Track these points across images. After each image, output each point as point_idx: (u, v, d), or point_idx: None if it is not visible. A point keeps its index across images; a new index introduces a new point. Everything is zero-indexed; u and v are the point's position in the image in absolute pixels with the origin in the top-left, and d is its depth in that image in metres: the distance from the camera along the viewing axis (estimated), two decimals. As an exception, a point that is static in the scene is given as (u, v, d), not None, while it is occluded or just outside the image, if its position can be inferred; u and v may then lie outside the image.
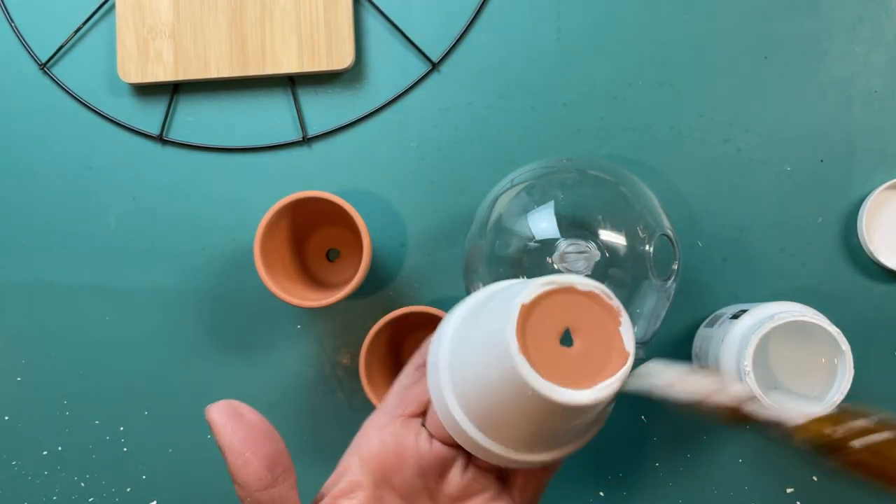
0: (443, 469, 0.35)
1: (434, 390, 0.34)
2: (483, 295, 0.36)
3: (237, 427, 0.30)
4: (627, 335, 0.31)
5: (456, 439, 0.34)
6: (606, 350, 0.31)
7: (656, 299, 0.49)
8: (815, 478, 0.57)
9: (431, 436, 0.35)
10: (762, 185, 0.58)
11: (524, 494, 0.36)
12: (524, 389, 0.30)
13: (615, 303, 0.32)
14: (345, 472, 0.34)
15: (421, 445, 0.35)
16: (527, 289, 0.31)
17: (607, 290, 0.31)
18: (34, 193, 0.63)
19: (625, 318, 0.32)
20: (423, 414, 0.36)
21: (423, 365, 0.36)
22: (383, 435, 0.35)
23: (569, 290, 0.31)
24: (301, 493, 0.64)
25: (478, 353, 0.32)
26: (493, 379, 0.31)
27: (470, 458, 0.36)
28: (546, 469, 0.37)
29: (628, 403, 0.58)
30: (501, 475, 0.37)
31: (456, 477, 0.35)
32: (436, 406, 0.34)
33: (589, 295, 0.31)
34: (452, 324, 0.35)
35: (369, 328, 0.54)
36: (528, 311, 0.30)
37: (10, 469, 0.62)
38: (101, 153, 0.63)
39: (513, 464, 0.34)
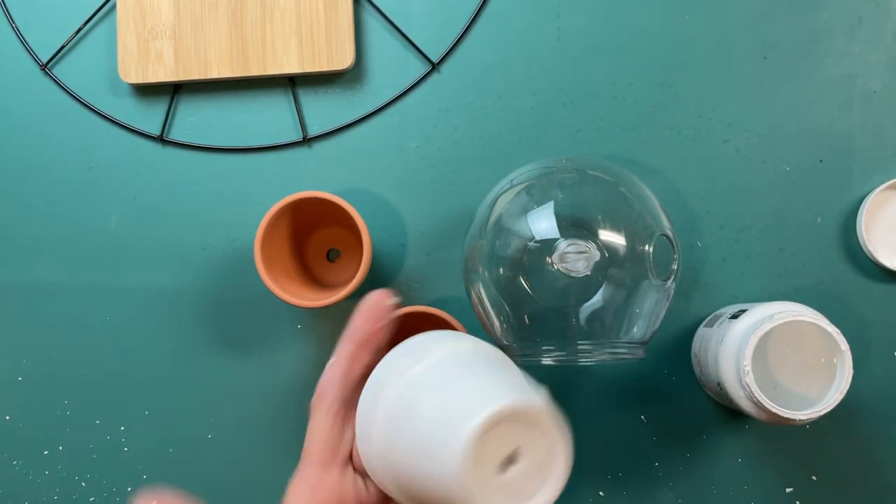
0: None
1: (366, 455, 0.34)
2: (431, 365, 0.34)
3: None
4: (560, 468, 0.32)
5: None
6: (543, 475, 0.32)
7: (656, 299, 0.49)
8: (814, 477, 0.57)
9: (364, 476, 0.35)
10: (761, 186, 0.58)
11: None
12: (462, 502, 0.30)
13: (561, 434, 0.32)
14: None
15: (360, 493, 0.35)
16: (483, 412, 0.30)
17: (556, 421, 0.31)
18: (35, 193, 0.63)
19: (563, 448, 0.32)
20: (352, 456, 0.36)
21: (341, 409, 0.36)
22: (322, 493, 0.35)
23: (522, 416, 0.31)
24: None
25: (419, 451, 0.32)
26: (431, 484, 0.31)
27: None
28: None
29: (628, 403, 0.59)
30: None
31: None
32: (370, 473, 0.34)
33: (539, 423, 0.32)
34: (391, 396, 0.34)
35: (369, 328, 0.54)
36: (482, 436, 0.30)
37: (11, 468, 0.62)
38: (101, 153, 0.63)
39: None
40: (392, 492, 0.34)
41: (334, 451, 0.35)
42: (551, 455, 0.32)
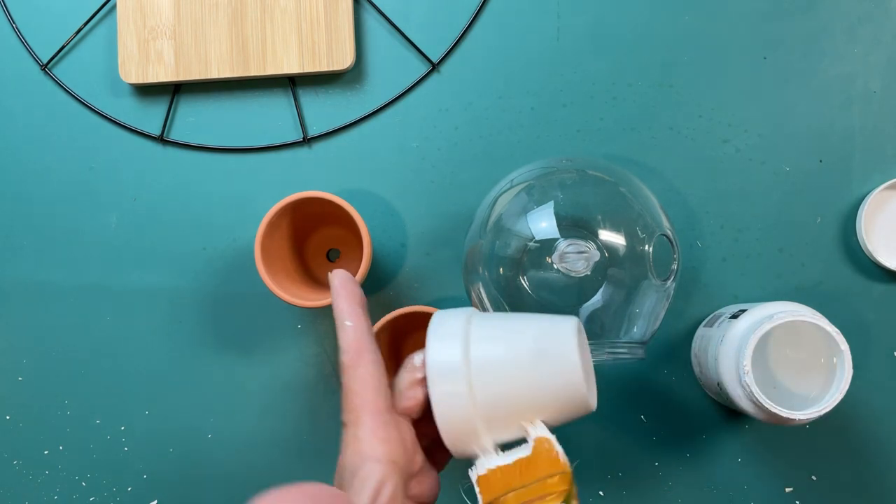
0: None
1: (451, 397, 0.37)
2: (477, 317, 0.39)
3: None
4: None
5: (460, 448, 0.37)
6: None
7: (656, 299, 0.49)
8: (814, 477, 0.57)
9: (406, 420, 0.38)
10: (761, 186, 0.59)
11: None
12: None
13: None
14: (367, 476, 0.35)
15: (413, 437, 0.38)
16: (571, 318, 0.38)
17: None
18: (35, 193, 0.63)
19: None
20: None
21: (381, 359, 0.39)
22: (391, 443, 0.36)
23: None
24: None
25: (528, 361, 0.37)
26: (546, 382, 0.37)
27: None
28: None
29: (628, 403, 0.59)
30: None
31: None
32: (450, 416, 0.37)
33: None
34: (474, 338, 0.38)
35: (369, 328, 0.54)
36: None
37: (11, 468, 0.62)
38: (102, 153, 0.63)
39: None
40: (479, 429, 0.36)
41: (389, 399, 0.37)
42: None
